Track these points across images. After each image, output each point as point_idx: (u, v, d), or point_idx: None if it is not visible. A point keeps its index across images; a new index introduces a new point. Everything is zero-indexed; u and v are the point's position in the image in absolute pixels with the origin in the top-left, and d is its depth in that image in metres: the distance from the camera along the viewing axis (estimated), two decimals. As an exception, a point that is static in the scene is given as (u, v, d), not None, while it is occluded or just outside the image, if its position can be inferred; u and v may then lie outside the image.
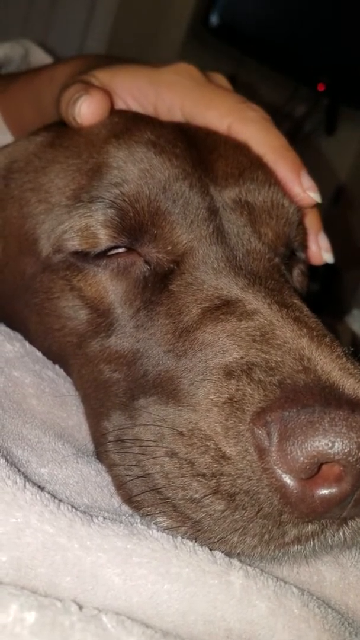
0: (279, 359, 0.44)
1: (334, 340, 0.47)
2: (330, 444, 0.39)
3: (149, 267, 0.55)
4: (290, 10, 2.32)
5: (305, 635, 0.40)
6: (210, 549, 0.42)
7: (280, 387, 0.42)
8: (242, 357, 0.45)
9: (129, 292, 0.55)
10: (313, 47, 2.35)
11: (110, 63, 0.70)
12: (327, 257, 0.69)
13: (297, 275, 0.68)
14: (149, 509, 0.45)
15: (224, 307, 0.49)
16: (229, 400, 0.43)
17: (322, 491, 0.40)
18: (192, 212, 0.56)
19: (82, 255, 0.56)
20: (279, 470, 0.40)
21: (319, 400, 0.41)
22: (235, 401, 0.43)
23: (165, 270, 0.55)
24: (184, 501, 0.43)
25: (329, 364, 0.44)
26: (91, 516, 0.41)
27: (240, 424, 0.42)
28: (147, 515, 0.45)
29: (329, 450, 0.39)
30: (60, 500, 0.41)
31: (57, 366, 0.58)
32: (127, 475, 0.47)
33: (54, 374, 0.57)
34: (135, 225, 0.55)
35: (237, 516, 0.41)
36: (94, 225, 0.55)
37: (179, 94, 0.66)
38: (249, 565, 0.42)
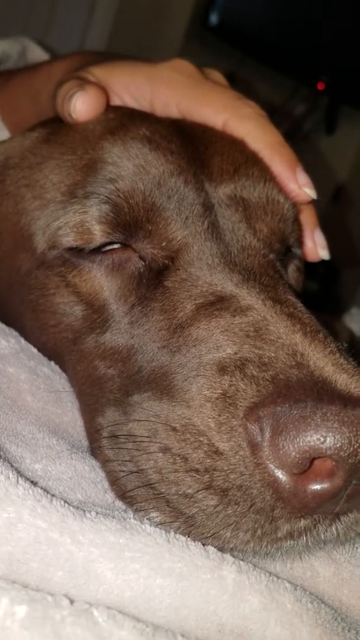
0: (272, 354, 0.44)
1: (328, 336, 0.47)
2: (322, 439, 0.39)
3: (143, 263, 0.55)
4: (290, 10, 2.32)
5: (297, 630, 0.40)
6: (203, 544, 0.42)
7: (273, 382, 0.42)
8: (235, 353, 0.45)
9: (123, 288, 0.55)
10: (313, 46, 2.35)
11: (106, 59, 0.70)
12: (323, 253, 0.69)
13: (292, 271, 0.68)
14: (143, 504, 0.45)
15: (218, 303, 0.49)
16: (222, 396, 0.43)
17: (315, 486, 0.40)
18: (187, 208, 0.56)
19: (77, 251, 0.56)
20: (272, 465, 0.40)
21: (312, 396, 0.40)
22: (229, 397, 0.43)
23: (160, 266, 0.55)
24: (177, 496, 0.43)
25: (322, 360, 0.44)
26: (84, 511, 0.41)
27: (233, 419, 0.42)
28: (141, 510, 0.45)
29: (321, 445, 0.39)
30: (53, 495, 0.41)
31: (52, 362, 0.58)
32: (121, 471, 0.47)
33: (49, 370, 0.57)
34: (130, 221, 0.55)
35: (229, 511, 0.41)
36: (88, 221, 0.55)
37: (175, 90, 0.66)
38: (242, 560, 0.42)
